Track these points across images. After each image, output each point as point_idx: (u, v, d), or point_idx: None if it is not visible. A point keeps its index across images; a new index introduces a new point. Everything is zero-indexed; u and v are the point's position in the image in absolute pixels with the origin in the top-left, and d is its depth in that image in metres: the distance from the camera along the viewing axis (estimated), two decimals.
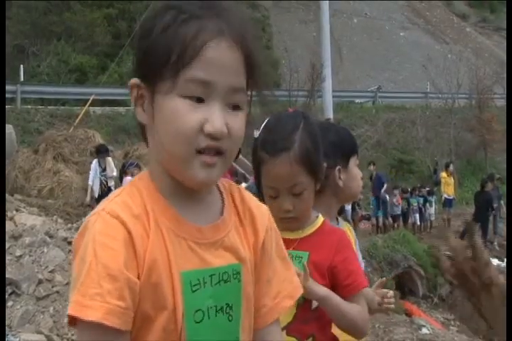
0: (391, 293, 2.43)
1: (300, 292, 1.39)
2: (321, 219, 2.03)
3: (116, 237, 1.14)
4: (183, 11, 1.19)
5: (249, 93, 1.26)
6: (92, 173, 10.84)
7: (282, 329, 1.86)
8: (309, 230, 1.99)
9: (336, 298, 1.89)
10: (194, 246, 1.22)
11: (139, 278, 1.15)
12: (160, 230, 1.19)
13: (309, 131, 1.95)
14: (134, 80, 1.22)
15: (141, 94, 1.22)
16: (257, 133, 1.96)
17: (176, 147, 1.17)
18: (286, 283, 1.35)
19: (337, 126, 2.58)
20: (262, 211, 1.37)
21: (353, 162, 2.32)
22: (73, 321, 1.15)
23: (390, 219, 16.92)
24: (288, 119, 1.99)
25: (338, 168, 2.20)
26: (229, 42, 1.18)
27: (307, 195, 1.93)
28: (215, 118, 1.16)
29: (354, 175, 2.31)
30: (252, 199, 1.37)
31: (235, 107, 1.20)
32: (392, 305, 2.41)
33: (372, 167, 15.91)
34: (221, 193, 1.33)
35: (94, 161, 11.02)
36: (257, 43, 1.26)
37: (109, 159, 11.11)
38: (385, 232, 15.63)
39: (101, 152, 11.06)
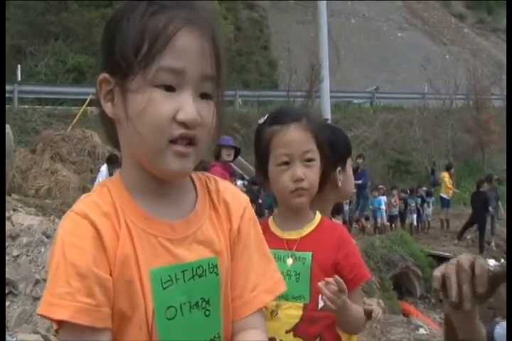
0: (377, 308, 2.44)
1: (282, 289, 1.34)
2: (318, 216, 2.04)
3: (84, 236, 1.15)
4: (153, 3, 1.19)
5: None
6: (99, 179, 10.76)
7: (290, 330, 1.89)
8: (309, 228, 2.00)
9: (352, 310, 1.90)
10: (165, 243, 1.21)
11: (111, 275, 1.15)
12: (128, 228, 1.19)
13: (313, 121, 2.02)
14: (103, 75, 1.20)
15: (110, 89, 1.20)
16: (262, 120, 2.03)
17: (150, 137, 1.16)
18: (266, 278, 1.31)
19: (332, 126, 2.59)
20: (238, 199, 1.35)
21: (349, 163, 2.34)
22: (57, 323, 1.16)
23: (371, 219, 16.84)
24: (292, 108, 2.06)
25: (338, 169, 2.23)
26: (199, 31, 1.19)
27: (316, 166, 1.97)
28: (188, 106, 1.16)
29: (349, 176, 2.33)
30: (228, 189, 1.36)
31: (206, 96, 1.20)
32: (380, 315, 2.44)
33: (361, 160, 15.64)
34: (195, 186, 1.32)
35: (105, 167, 10.93)
36: (221, 37, 1.26)
37: (118, 170, 11.10)
38: (366, 232, 15.61)
39: (115, 162, 10.99)
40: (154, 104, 1.15)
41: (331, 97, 17.86)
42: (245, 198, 1.37)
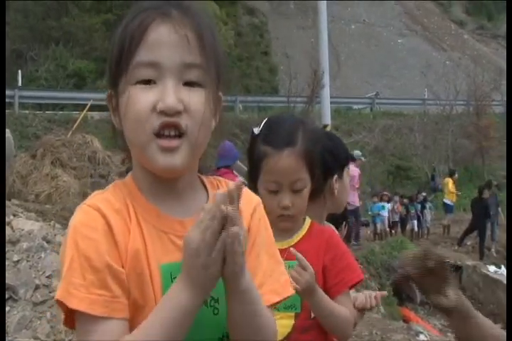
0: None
1: (289, 292, 1.34)
2: (308, 221, 2.04)
3: (96, 227, 1.17)
4: (136, 9, 1.24)
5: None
6: None
7: (282, 340, 1.87)
8: (298, 236, 2.00)
9: (327, 300, 1.90)
10: (176, 240, 1.23)
11: (123, 267, 1.18)
12: (139, 225, 1.21)
13: (310, 133, 1.98)
14: (108, 92, 1.27)
15: (116, 103, 1.25)
16: (256, 130, 1.97)
17: (135, 133, 1.19)
18: (273, 279, 1.31)
19: (330, 134, 2.56)
20: (249, 200, 1.35)
21: (346, 172, 2.33)
22: (69, 318, 1.19)
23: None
24: (289, 119, 2.04)
25: (335, 177, 2.21)
26: (174, 21, 1.20)
27: (306, 193, 1.95)
28: (166, 95, 1.17)
29: (346, 185, 2.32)
30: None
31: (193, 84, 1.20)
32: (371, 305, 2.32)
33: None
34: (206, 189, 1.33)
35: None
36: (210, 26, 1.27)
37: None
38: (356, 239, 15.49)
39: None
40: (133, 100, 1.18)
41: (331, 103, 17.84)
42: (257, 199, 1.38)
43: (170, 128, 1.17)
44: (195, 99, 1.19)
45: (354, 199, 14.74)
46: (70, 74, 22.50)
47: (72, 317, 1.19)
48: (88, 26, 24.11)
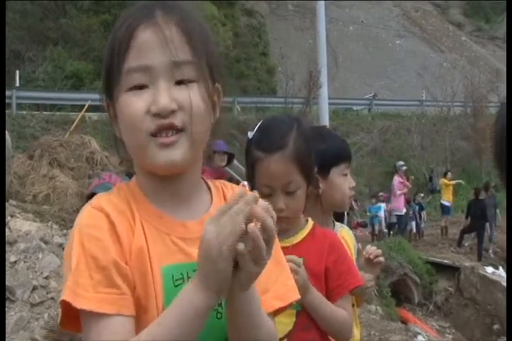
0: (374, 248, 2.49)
1: (294, 297, 1.33)
2: (310, 223, 2.04)
3: (101, 227, 1.17)
4: (125, 16, 1.24)
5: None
6: None
7: (283, 337, 1.87)
8: (301, 236, 2.00)
9: (323, 300, 1.90)
10: (178, 241, 1.23)
11: (127, 265, 1.18)
12: (142, 226, 1.21)
13: (302, 133, 1.97)
14: (106, 101, 1.27)
15: (114, 111, 1.25)
16: (250, 134, 1.98)
17: (132, 137, 1.20)
18: (279, 285, 1.31)
19: (331, 133, 2.53)
20: None
21: (337, 172, 2.31)
22: (68, 320, 1.17)
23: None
24: (282, 121, 2.03)
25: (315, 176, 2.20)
26: (158, 22, 1.20)
27: (300, 194, 1.94)
28: (158, 97, 1.17)
29: (337, 185, 2.31)
30: None
31: (185, 81, 1.20)
32: (382, 259, 2.47)
33: None
34: (211, 193, 1.33)
35: None
36: (197, 19, 1.26)
37: None
38: None
39: None
40: (127, 105, 1.19)
41: (329, 104, 17.81)
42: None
43: (167, 130, 1.18)
44: (191, 95, 1.19)
45: (395, 206, 16.68)
46: (67, 75, 22.46)
47: (72, 319, 1.18)
48: (86, 27, 24.10)
